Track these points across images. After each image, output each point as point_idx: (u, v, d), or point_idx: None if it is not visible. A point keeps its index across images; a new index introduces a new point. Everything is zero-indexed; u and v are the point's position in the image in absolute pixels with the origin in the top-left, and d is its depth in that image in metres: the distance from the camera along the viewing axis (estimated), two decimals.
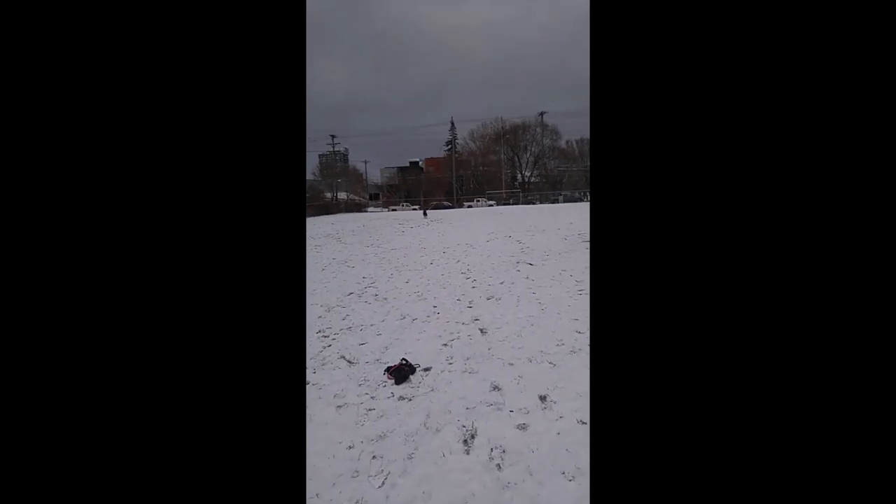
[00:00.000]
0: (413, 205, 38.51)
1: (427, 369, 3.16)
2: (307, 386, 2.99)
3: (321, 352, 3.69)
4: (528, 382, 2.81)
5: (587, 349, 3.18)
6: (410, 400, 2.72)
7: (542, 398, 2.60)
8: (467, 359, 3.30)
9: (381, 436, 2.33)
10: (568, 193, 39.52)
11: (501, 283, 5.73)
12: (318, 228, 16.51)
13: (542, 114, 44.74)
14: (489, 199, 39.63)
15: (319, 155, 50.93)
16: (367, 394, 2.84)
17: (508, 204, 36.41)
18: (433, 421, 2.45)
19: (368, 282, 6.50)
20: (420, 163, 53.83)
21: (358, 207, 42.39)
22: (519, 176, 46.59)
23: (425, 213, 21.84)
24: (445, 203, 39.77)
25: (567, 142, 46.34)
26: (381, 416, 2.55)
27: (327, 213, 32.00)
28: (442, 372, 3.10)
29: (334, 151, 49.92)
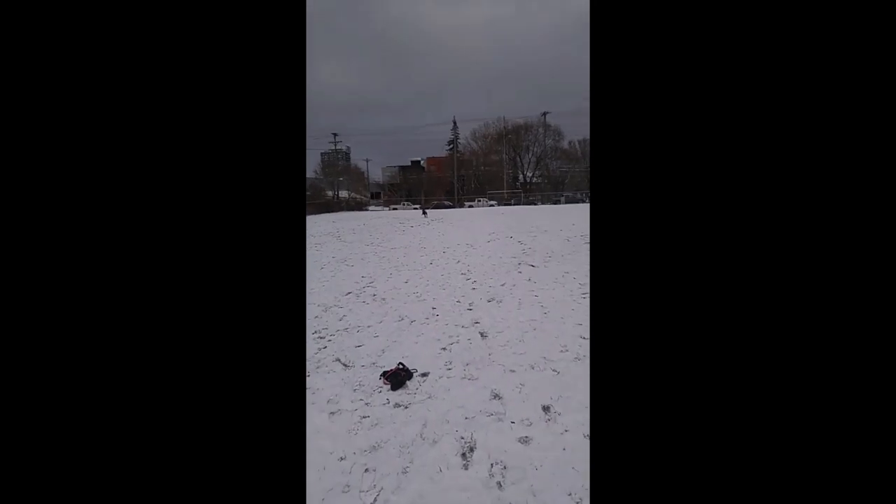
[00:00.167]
0: (414, 204, 38.24)
1: (424, 375, 3.03)
2: None
3: (316, 353, 3.56)
4: (531, 391, 2.68)
5: None
6: (406, 407, 2.59)
7: (546, 409, 2.46)
8: (467, 364, 3.16)
9: (374, 446, 2.20)
10: (570, 194, 39.17)
11: (502, 285, 5.56)
12: (319, 226, 16.33)
13: (544, 114, 44.35)
14: (490, 199, 39.41)
15: (322, 153, 50.93)
16: (361, 400, 2.71)
17: (510, 204, 36.20)
18: (430, 431, 2.31)
19: (367, 281, 6.36)
20: (422, 162, 53.67)
21: (359, 206, 42.35)
22: (521, 176, 46.30)
23: (424, 213, 21.21)
24: (446, 202, 39.66)
25: (570, 142, 46.20)
26: (376, 424, 2.42)
27: (329, 211, 31.87)
28: (440, 378, 2.97)
29: (336, 150, 49.69)
